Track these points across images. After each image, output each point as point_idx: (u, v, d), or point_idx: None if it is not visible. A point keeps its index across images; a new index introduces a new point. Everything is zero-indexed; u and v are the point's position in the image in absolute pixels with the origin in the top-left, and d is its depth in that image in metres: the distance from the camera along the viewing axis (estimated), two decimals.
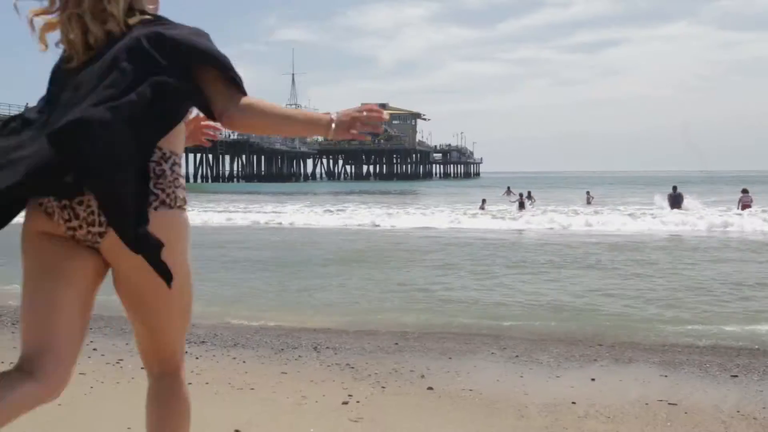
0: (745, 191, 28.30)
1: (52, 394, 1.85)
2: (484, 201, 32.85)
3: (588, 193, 37.69)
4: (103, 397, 5.14)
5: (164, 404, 2.20)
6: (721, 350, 6.89)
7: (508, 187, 42.83)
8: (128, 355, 6.49)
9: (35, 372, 1.80)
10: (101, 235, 1.87)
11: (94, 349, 6.75)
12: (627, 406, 5.03)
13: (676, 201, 27.56)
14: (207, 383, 5.53)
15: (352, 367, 6.10)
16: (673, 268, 12.95)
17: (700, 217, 21.97)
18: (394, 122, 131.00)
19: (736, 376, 5.89)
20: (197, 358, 6.43)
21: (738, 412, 4.91)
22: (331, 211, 29.71)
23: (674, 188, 28.93)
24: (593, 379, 5.84)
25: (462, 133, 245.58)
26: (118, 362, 6.23)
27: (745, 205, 27.14)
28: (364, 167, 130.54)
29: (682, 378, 5.84)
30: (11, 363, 2.28)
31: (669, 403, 5.08)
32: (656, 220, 22.21)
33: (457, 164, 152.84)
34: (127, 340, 7.17)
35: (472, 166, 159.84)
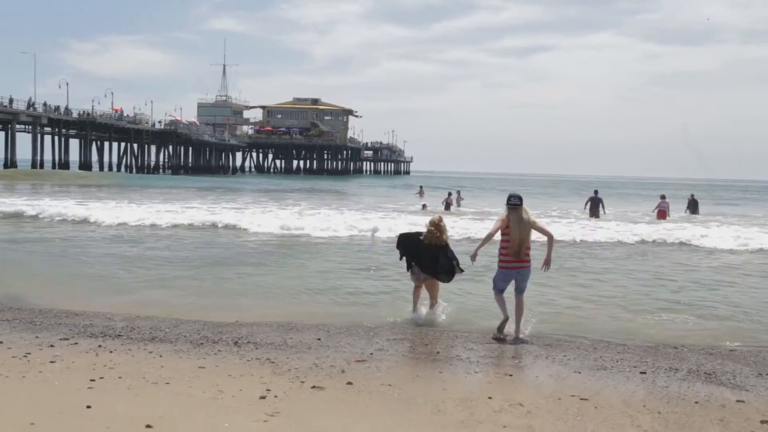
0: (662, 197, 29.42)
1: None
2: (421, 187, 41.48)
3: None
4: (6, 393, 4.91)
5: (431, 309, 8.40)
6: (632, 349, 7.15)
7: (421, 187, 43.00)
8: (36, 348, 6.23)
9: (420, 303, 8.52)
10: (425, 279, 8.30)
11: (0, 342, 6.45)
12: (541, 401, 5.16)
13: (594, 204, 28.38)
14: (120, 377, 5.37)
15: (273, 362, 6.04)
16: (588, 271, 13.39)
17: (616, 225, 22.46)
18: (326, 118, 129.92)
19: (644, 372, 6.13)
20: (111, 351, 6.24)
21: (644, 406, 5.11)
22: (270, 211, 29.36)
23: (595, 192, 29.79)
24: (510, 375, 5.97)
25: (393, 131, 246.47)
26: (25, 355, 5.97)
27: (661, 210, 28.23)
28: (294, 162, 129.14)
29: (594, 375, 6.03)
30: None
31: (581, 399, 5.23)
32: (572, 226, 22.49)
33: (387, 162, 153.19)
34: (37, 333, 6.89)
35: (402, 164, 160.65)
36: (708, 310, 9.42)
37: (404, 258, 8.45)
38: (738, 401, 5.34)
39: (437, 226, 8.14)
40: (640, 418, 4.82)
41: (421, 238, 8.17)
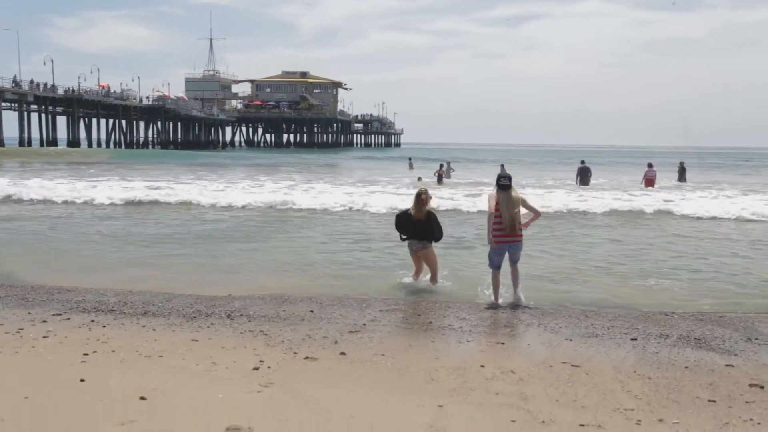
0: (650, 165, 29.49)
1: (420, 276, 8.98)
2: (410, 159, 44.47)
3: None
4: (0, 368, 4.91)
5: (432, 277, 8.75)
6: (623, 316, 7.20)
7: (410, 159, 44.61)
8: (29, 324, 6.22)
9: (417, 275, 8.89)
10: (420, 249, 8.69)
11: None
12: (533, 368, 5.21)
13: (583, 174, 28.46)
14: (113, 351, 5.38)
15: (266, 334, 6.05)
16: (579, 240, 13.45)
17: (600, 196, 22.47)
18: (315, 91, 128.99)
19: (635, 339, 6.18)
20: (104, 326, 6.24)
21: (635, 372, 5.16)
22: (261, 185, 29.25)
23: (582, 162, 29.82)
24: (502, 344, 6.01)
25: (383, 103, 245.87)
26: (18, 331, 5.96)
27: (648, 179, 28.31)
28: (284, 136, 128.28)
29: (586, 342, 6.08)
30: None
31: (572, 365, 5.28)
32: (564, 197, 22.45)
33: (378, 134, 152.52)
34: (29, 309, 6.88)
35: (393, 136, 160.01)
36: (698, 277, 9.50)
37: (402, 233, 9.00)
38: (727, 366, 5.40)
39: (419, 199, 8.71)
40: (630, 383, 4.88)
41: (410, 213, 8.76)
